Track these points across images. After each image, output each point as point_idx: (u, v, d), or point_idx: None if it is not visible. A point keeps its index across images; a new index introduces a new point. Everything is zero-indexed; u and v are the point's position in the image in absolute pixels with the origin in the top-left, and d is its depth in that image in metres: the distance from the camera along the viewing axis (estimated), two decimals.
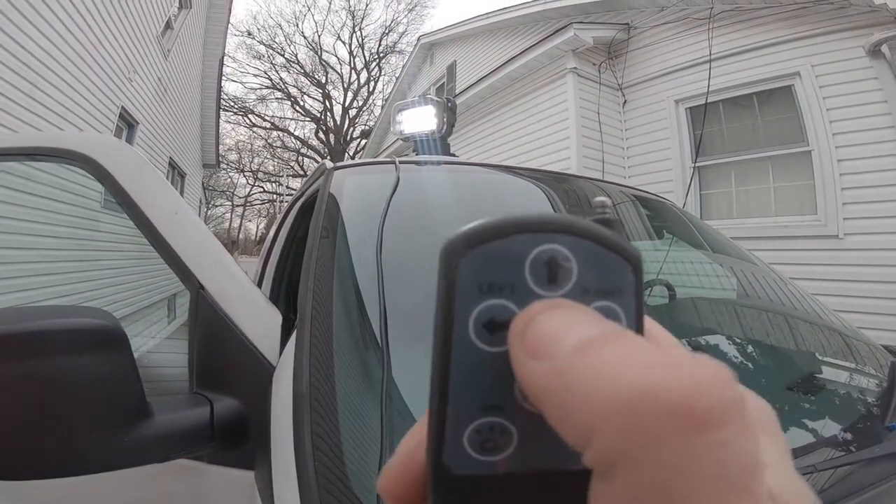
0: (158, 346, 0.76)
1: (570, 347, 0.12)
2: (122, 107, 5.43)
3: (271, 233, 1.57)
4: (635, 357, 0.11)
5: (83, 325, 0.47)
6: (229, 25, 10.52)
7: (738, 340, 0.93)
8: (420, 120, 1.42)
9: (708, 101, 4.08)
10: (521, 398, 0.14)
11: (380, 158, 1.06)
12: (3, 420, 0.46)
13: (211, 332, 0.59)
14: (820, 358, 0.93)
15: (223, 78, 11.35)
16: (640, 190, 1.51)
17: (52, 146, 0.73)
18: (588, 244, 0.14)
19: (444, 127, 1.39)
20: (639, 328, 0.14)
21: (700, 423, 0.10)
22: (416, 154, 1.44)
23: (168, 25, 6.99)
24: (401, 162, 0.97)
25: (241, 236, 27.60)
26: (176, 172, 8.53)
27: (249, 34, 21.22)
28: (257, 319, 0.61)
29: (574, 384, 0.11)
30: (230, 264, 0.64)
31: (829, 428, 0.66)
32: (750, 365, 0.85)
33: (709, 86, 4.05)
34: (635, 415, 0.10)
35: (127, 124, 5.89)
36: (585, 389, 0.11)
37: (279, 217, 1.56)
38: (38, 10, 3.59)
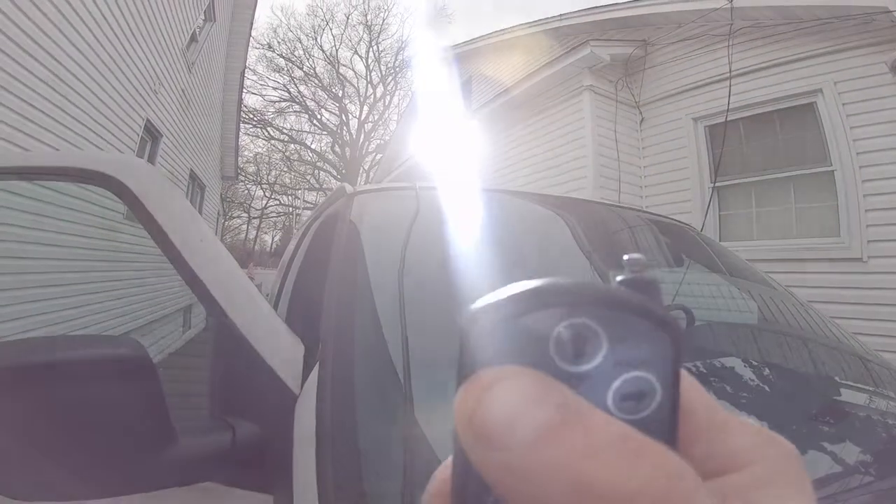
0: (183, 371, 0.77)
1: (524, 439, 0.11)
2: (148, 118, 5.55)
3: (289, 250, 1.60)
4: (605, 451, 0.11)
5: (116, 356, 0.49)
6: (251, 38, 10.76)
7: (756, 364, 0.92)
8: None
9: (727, 119, 4.04)
10: None
11: (399, 183, 1.07)
12: (36, 444, 0.48)
13: (234, 359, 0.60)
14: (840, 382, 0.91)
15: (244, 90, 11.61)
16: (657, 214, 1.50)
17: (82, 167, 0.73)
18: (618, 315, 0.13)
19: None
20: (674, 399, 0.14)
21: None
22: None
23: (193, 38, 7.15)
24: (421, 188, 0.98)
25: (256, 248, 28.06)
26: (196, 184, 8.67)
27: (270, 47, 21.81)
28: (279, 348, 0.62)
29: (526, 485, 0.11)
30: (254, 294, 0.65)
31: (850, 454, 0.65)
32: (768, 390, 0.84)
33: (728, 103, 4.01)
34: None
35: (151, 136, 6.01)
36: (550, 495, 0.11)
37: (297, 235, 1.58)
38: (71, 23, 3.70)
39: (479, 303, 0.13)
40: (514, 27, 7.00)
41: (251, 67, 19.76)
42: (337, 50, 22.70)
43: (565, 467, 0.11)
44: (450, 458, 0.14)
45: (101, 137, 4.40)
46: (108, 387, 0.48)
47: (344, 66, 23.13)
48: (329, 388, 0.53)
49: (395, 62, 22.88)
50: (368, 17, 22.47)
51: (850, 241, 3.48)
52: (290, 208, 24.40)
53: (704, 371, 0.82)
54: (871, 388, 0.89)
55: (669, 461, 0.11)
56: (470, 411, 0.12)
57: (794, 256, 3.76)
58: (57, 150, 3.58)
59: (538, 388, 0.12)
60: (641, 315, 0.13)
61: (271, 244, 29.22)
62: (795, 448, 0.14)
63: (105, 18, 4.22)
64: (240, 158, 13.23)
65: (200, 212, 8.74)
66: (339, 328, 0.60)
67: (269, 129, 22.60)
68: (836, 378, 0.94)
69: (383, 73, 23.04)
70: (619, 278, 0.15)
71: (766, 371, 0.89)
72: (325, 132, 23.59)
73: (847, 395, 0.85)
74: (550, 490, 0.11)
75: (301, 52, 22.30)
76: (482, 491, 0.13)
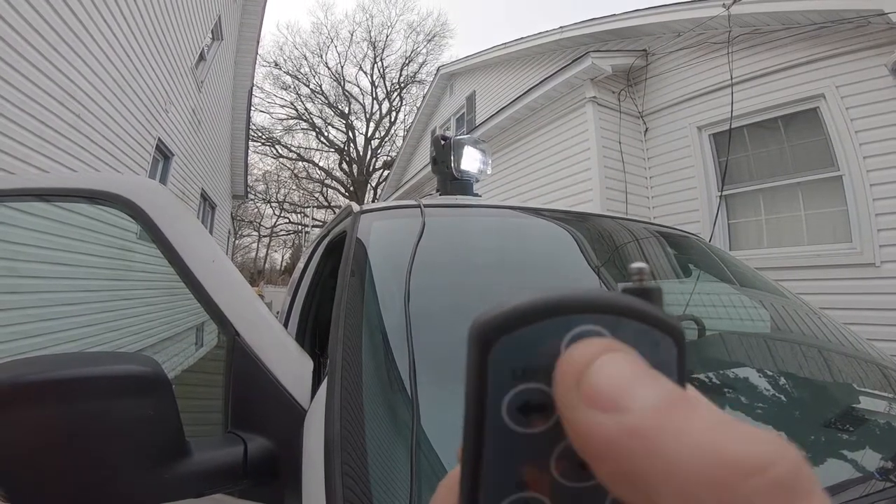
0: (197, 388, 0.79)
1: (650, 405, 0.11)
2: (159, 138, 5.59)
3: (299, 267, 1.62)
4: (728, 426, 0.11)
5: (131, 372, 0.50)
6: (257, 56, 10.87)
7: (770, 374, 0.91)
8: (471, 160, 1.44)
9: (732, 126, 4.02)
10: (559, 474, 0.13)
11: (405, 201, 1.09)
12: (55, 458, 0.49)
13: (246, 376, 0.62)
14: (857, 389, 0.90)
15: (252, 108, 11.73)
16: (665, 226, 1.50)
17: (94, 188, 0.75)
18: (624, 321, 0.13)
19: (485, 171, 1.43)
20: None
21: (805, 498, 0.11)
22: (439, 192, 1.47)
23: (201, 57, 7.21)
24: (426, 206, 1.00)
25: (266, 266, 28.32)
26: (207, 204, 8.72)
27: (276, 65, 22.14)
28: (290, 365, 0.63)
29: (663, 451, 0.11)
30: (264, 313, 0.67)
31: (869, 462, 0.64)
32: (784, 399, 0.83)
33: (732, 110, 4.00)
34: (747, 487, 0.10)
35: (163, 156, 6.05)
36: (681, 458, 0.10)
37: (306, 253, 1.60)
38: (83, 42, 3.74)
39: (487, 312, 0.13)
40: (515, 41, 7.08)
41: (258, 85, 20.05)
42: (342, 67, 23.02)
43: (697, 432, 0.11)
44: (457, 469, 0.14)
45: (115, 157, 4.44)
46: (124, 402, 0.50)
47: (349, 82, 23.46)
48: (337, 404, 0.54)
49: (399, 77, 23.16)
50: (372, 34, 22.82)
51: (862, 246, 3.44)
52: (299, 226, 24.60)
53: (718, 382, 0.82)
54: (889, 395, 0.87)
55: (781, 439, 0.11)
56: (578, 373, 0.12)
57: (806, 264, 3.71)
58: (74, 171, 3.64)
59: (642, 359, 0.13)
60: (647, 321, 0.14)
61: (281, 262, 29.51)
62: (803, 455, 0.14)
63: (116, 37, 4.25)
64: (249, 177, 13.37)
65: (211, 231, 8.82)
66: (346, 344, 0.61)
67: (277, 146, 22.86)
68: (853, 385, 0.92)
69: (388, 89, 23.29)
70: (622, 286, 0.15)
71: (781, 380, 0.88)
72: (332, 149, 23.83)
73: (865, 402, 0.84)
74: (679, 452, 0.10)
75: (307, 70, 22.63)
76: (504, 480, 0.13)
